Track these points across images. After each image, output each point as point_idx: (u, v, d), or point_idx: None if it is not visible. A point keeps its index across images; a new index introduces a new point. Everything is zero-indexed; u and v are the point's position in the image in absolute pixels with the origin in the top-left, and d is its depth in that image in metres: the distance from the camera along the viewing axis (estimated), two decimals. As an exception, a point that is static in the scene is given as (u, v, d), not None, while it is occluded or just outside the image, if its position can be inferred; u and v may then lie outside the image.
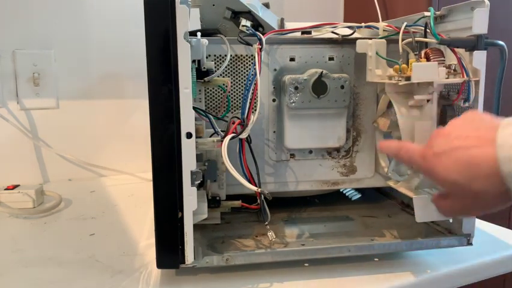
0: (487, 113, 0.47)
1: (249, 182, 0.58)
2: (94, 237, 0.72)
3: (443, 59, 0.58)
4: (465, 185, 0.42)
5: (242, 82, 0.68)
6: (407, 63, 0.58)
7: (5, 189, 0.86)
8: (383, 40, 0.64)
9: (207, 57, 0.63)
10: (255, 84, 0.58)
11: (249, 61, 0.68)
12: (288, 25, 0.71)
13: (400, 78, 0.58)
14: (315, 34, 0.68)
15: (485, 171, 0.41)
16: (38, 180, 1.03)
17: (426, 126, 0.58)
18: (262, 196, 0.59)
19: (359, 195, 0.86)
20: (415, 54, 0.60)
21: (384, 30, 0.66)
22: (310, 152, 0.71)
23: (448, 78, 0.58)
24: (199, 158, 0.56)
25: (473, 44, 0.56)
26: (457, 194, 0.45)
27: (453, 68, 0.59)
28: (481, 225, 0.75)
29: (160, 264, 0.54)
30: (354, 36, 0.68)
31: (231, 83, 0.67)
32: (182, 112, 0.51)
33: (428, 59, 0.58)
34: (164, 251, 0.53)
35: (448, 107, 0.61)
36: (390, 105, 0.65)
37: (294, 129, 0.68)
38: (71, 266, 0.61)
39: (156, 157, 0.51)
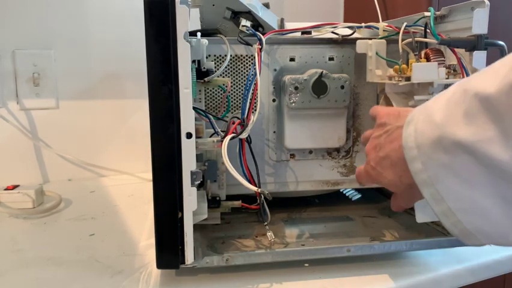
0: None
1: (249, 182, 0.58)
2: (94, 237, 0.72)
3: (443, 59, 0.58)
4: (397, 182, 0.48)
5: (242, 82, 0.68)
6: (407, 64, 0.58)
7: (5, 189, 0.86)
8: (383, 40, 0.64)
9: (207, 57, 0.63)
10: (255, 84, 0.58)
11: (249, 61, 0.68)
12: (288, 25, 0.71)
13: (400, 79, 0.58)
14: (315, 34, 0.68)
15: (406, 169, 0.44)
16: (38, 181, 1.03)
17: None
18: (262, 196, 0.59)
19: (359, 195, 0.86)
20: (415, 55, 0.60)
21: (384, 30, 0.66)
22: (310, 152, 0.71)
23: (447, 78, 0.58)
24: (199, 158, 0.56)
25: (473, 44, 0.56)
26: (396, 191, 0.52)
27: (453, 68, 0.59)
28: (481, 225, 0.75)
29: (160, 265, 0.54)
30: (354, 36, 0.68)
31: (231, 83, 0.67)
32: (183, 112, 0.51)
33: (428, 59, 0.58)
34: (164, 251, 0.53)
35: (448, 107, 0.61)
36: (390, 105, 0.65)
37: (294, 130, 0.68)
38: (71, 266, 0.61)
39: (156, 157, 0.51)
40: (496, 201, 0.37)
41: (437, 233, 0.65)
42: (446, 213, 0.40)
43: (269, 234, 0.59)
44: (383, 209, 0.78)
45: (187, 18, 0.50)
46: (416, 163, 0.42)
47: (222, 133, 0.57)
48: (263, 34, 0.61)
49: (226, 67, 0.67)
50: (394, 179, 0.48)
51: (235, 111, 0.68)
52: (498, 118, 0.35)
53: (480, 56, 0.56)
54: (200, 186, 0.62)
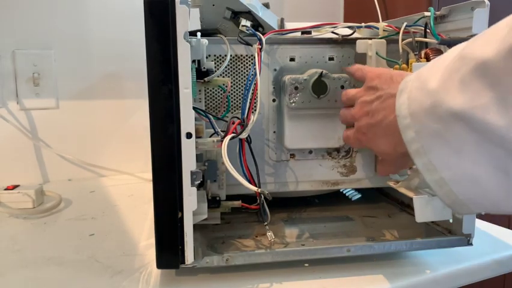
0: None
1: (249, 182, 0.58)
2: (94, 237, 0.72)
3: (443, 59, 0.58)
4: (391, 152, 0.48)
5: (242, 82, 0.68)
6: (407, 63, 0.58)
7: (5, 189, 0.86)
8: (383, 40, 0.64)
9: (207, 57, 0.63)
10: (255, 84, 0.58)
11: (249, 61, 0.68)
12: (288, 25, 0.71)
13: (400, 78, 0.58)
14: (315, 34, 0.68)
15: (400, 139, 0.43)
16: (38, 180, 1.03)
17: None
18: (262, 196, 0.59)
19: (359, 195, 0.86)
20: (415, 54, 0.60)
21: (384, 30, 0.66)
22: (310, 152, 0.71)
23: (448, 78, 0.57)
24: (199, 158, 0.56)
25: (473, 44, 0.56)
26: (390, 159, 0.52)
27: (453, 68, 0.59)
28: (481, 225, 0.75)
29: (160, 265, 0.54)
30: (354, 36, 0.68)
31: (231, 83, 0.67)
32: (183, 112, 0.51)
33: (428, 59, 0.58)
34: (164, 251, 0.53)
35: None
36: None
37: (294, 130, 0.68)
38: (71, 266, 0.61)
39: (156, 157, 0.51)
40: (488, 170, 0.36)
41: (437, 233, 0.65)
42: (438, 183, 0.40)
43: (269, 234, 0.59)
44: (383, 209, 0.78)
45: (187, 18, 0.50)
46: (409, 132, 0.41)
47: (222, 133, 0.57)
48: (263, 34, 0.61)
49: (226, 67, 0.67)
50: (388, 148, 0.48)
51: (235, 111, 0.68)
52: (495, 83, 0.34)
53: (480, 56, 0.56)
54: (200, 186, 0.62)
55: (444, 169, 0.39)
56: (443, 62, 0.40)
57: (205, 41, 0.61)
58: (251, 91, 0.58)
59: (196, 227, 0.55)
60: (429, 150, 0.39)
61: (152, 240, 0.54)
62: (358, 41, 0.65)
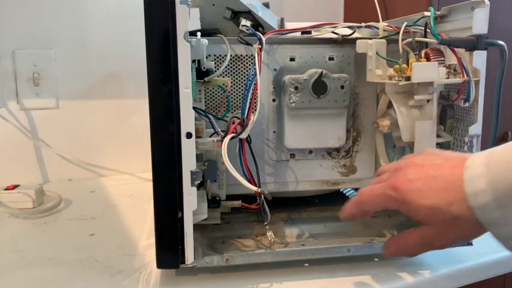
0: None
1: (249, 182, 0.58)
2: (94, 237, 0.72)
3: (443, 59, 0.58)
4: (443, 209, 0.40)
5: (242, 82, 0.68)
6: (407, 63, 0.58)
7: (5, 189, 0.86)
8: (383, 40, 0.64)
9: (207, 57, 0.63)
10: (255, 84, 0.58)
11: (249, 61, 0.68)
12: (288, 25, 0.71)
13: (400, 78, 0.58)
14: (315, 34, 0.68)
15: (461, 195, 0.38)
16: (38, 180, 1.03)
17: (427, 126, 0.58)
18: (262, 196, 0.59)
19: (359, 195, 0.86)
20: (415, 54, 0.60)
21: (384, 30, 0.66)
22: (310, 152, 0.71)
23: (448, 78, 0.58)
24: (199, 158, 0.56)
25: (473, 44, 0.56)
26: (432, 221, 0.42)
27: (453, 68, 0.59)
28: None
29: (160, 264, 0.54)
30: (354, 36, 0.68)
31: (231, 83, 0.67)
32: (183, 112, 0.51)
33: (428, 59, 0.58)
34: (164, 251, 0.53)
35: (448, 107, 0.61)
36: (390, 105, 0.65)
37: (294, 129, 0.68)
38: (71, 266, 0.61)
39: (156, 157, 0.51)
40: None
41: (437, 233, 0.64)
42: (508, 236, 0.36)
43: (269, 234, 0.59)
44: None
45: (187, 18, 0.50)
46: (483, 196, 0.36)
47: (222, 133, 0.57)
48: (263, 34, 0.61)
49: (226, 67, 0.67)
50: (439, 204, 0.40)
51: (235, 111, 0.68)
52: None
53: (480, 56, 0.56)
54: (200, 186, 0.62)
55: None
56: None
57: (205, 41, 0.61)
58: (251, 91, 0.58)
59: (196, 227, 0.55)
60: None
61: (152, 240, 0.54)
62: (358, 41, 0.65)
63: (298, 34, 0.68)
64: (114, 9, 1.06)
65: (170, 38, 0.49)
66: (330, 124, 0.68)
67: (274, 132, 0.70)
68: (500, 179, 0.35)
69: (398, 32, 0.62)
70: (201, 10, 0.71)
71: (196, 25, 0.69)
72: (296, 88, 0.65)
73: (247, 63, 0.68)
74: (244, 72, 0.68)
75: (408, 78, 0.57)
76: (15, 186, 0.87)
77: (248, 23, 0.66)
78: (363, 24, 0.68)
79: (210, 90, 0.67)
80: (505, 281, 1.07)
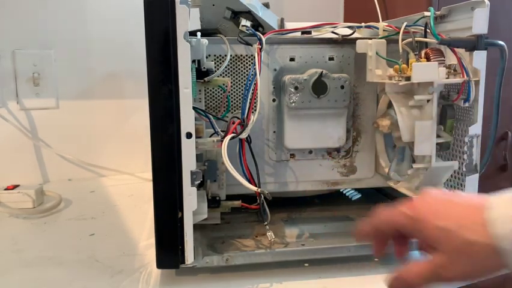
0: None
1: (249, 182, 0.58)
2: (94, 237, 0.72)
3: (443, 59, 0.58)
4: (457, 232, 0.37)
5: (242, 82, 0.68)
6: (407, 63, 0.58)
7: (5, 189, 0.86)
8: (383, 40, 0.64)
9: (207, 57, 0.63)
10: (255, 84, 0.58)
11: (249, 61, 0.68)
12: (288, 25, 0.71)
13: (400, 78, 0.58)
14: (315, 34, 0.68)
15: (480, 220, 0.36)
16: (38, 180, 1.03)
17: (427, 126, 0.58)
18: (262, 196, 0.59)
19: (359, 195, 0.86)
20: (415, 54, 0.60)
21: (384, 30, 0.66)
22: (310, 152, 0.71)
23: (448, 78, 0.58)
24: (199, 158, 0.56)
25: (473, 44, 0.56)
26: (443, 246, 0.38)
27: (453, 68, 0.59)
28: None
29: (160, 264, 0.54)
30: (354, 36, 0.68)
31: (231, 83, 0.67)
32: (183, 112, 0.51)
33: (428, 59, 0.58)
34: (164, 251, 0.53)
35: (448, 107, 0.61)
36: (390, 105, 0.65)
37: (294, 129, 0.68)
38: (71, 266, 0.61)
39: (156, 157, 0.51)
40: None
41: (437, 233, 0.64)
42: None
43: (269, 234, 0.59)
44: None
45: (187, 18, 0.50)
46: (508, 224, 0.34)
47: (222, 133, 0.57)
48: (263, 34, 0.61)
49: (226, 67, 0.67)
50: (453, 226, 0.37)
51: (235, 111, 0.68)
52: None
53: (480, 56, 0.56)
54: (200, 186, 0.62)
55: None
56: None
57: (205, 41, 0.61)
58: (251, 91, 0.58)
59: (196, 227, 0.55)
60: None
61: (152, 240, 0.54)
62: (358, 41, 0.65)
63: (298, 34, 0.68)
64: (114, 9, 1.05)
65: (170, 38, 0.49)
66: (330, 124, 0.68)
67: (274, 132, 0.70)
68: None
69: (398, 32, 0.62)
70: (201, 10, 0.71)
71: (196, 25, 0.69)
72: (296, 88, 0.65)
73: (247, 63, 0.68)
74: (244, 72, 0.68)
75: (408, 78, 0.57)
76: (15, 186, 0.87)
77: (248, 23, 0.66)
78: (363, 24, 0.68)
79: (210, 90, 0.67)
80: (505, 281, 1.07)
